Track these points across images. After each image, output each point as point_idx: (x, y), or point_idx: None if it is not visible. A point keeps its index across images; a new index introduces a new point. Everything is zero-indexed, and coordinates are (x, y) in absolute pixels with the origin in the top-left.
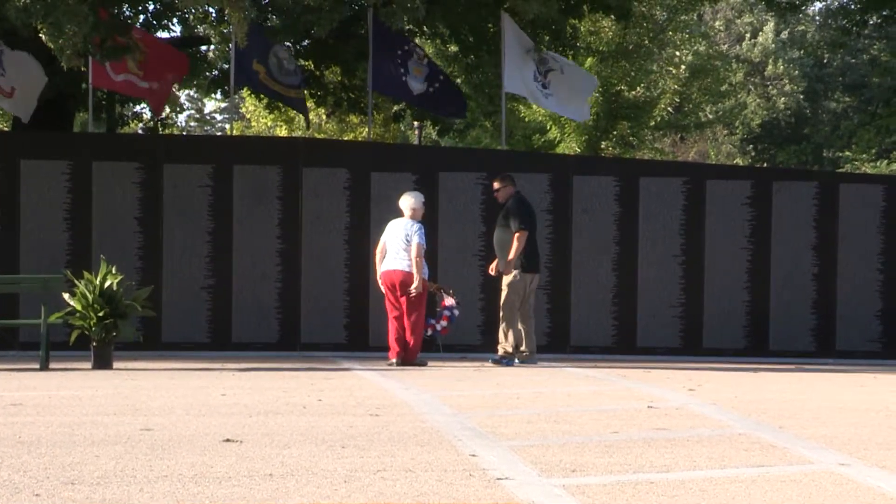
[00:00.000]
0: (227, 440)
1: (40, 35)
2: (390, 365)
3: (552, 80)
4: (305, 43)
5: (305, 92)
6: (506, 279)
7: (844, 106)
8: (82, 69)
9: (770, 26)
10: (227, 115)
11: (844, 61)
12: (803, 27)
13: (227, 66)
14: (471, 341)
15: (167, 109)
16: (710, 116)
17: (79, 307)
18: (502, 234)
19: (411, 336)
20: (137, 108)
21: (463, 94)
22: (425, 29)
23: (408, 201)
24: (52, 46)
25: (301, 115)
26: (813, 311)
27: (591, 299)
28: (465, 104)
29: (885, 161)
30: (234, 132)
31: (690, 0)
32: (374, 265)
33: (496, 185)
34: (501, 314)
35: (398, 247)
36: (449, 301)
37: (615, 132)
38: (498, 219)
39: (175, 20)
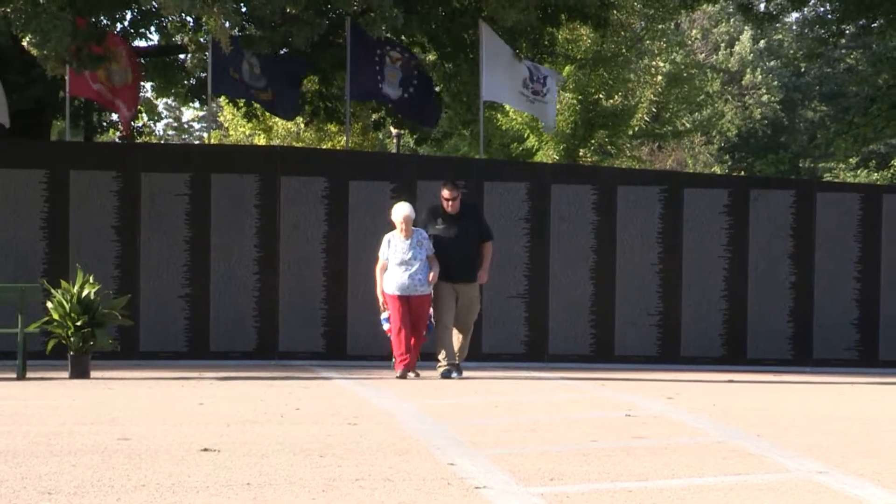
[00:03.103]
0: (205, 449)
1: (22, 43)
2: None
3: (549, 92)
4: (283, 52)
5: (270, 91)
6: (476, 294)
7: (822, 115)
8: (65, 77)
9: (747, 35)
10: (204, 124)
11: (821, 71)
12: (780, 36)
13: (204, 75)
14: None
15: (144, 118)
16: (688, 125)
17: (56, 316)
18: (470, 245)
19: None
20: (114, 116)
21: (437, 102)
22: (403, 38)
23: None
24: (36, 55)
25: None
26: (790, 319)
27: (569, 308)
28: (437, 114)
29: (865, 170)
30: (212, 141)
31: (668, 9)
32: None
33: (455, 193)
34: (470, 329)
35: None
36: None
37: (593, 140)
38: (446, 228)
39: (153, 28)
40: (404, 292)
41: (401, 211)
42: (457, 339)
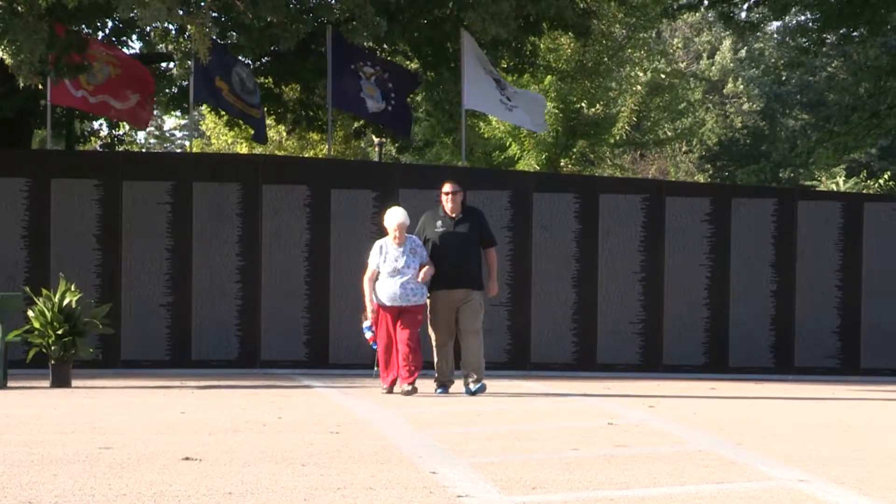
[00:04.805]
0: (187, 458)
1: None
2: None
3: (512, 96)
4: (265, 60)
5: (265, 110)
6: (479, 300)
7: (803, 123)
8: (40, 86)
9: (727, 44)
10: (186, 132)
11: (802, 79)
12: (761, 45)
13: (186, 83)
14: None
15: (126, 126)
16: (670, 134)
17: (37, 325)
18: (470, 250)
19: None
20: (96, 124)
21: (410, 113)
22: (385, 46)
23: None
24: (10, 63)
25: (258, 133)
26: (772, 327)
27: (551, 316)
28: (410, 123)
29: (854, 179)
30: (194, 149)
31: (649, 18)
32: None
33: (456, 188)
34: (477, 338)
35: None
36: None
37: (575, 149)
38: (445, 230)
39: (135, 37)
40: (396, 302)
41: (395, 218)
42: (470, 349)
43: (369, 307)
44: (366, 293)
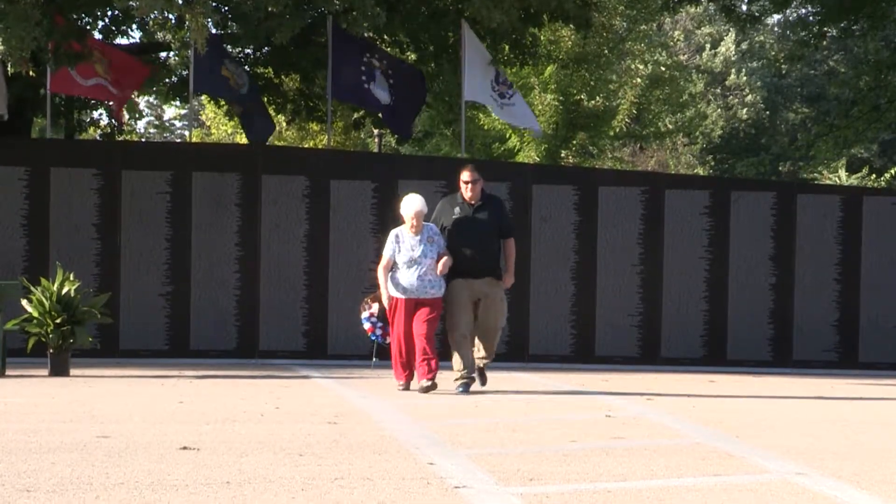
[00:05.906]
0: (185, 448)
1: None
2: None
3: (514, 94)
4: (265, 50)
5: (265, 100)
6: (501, 294)
7: (803, 117)
8: (31, 73)
9: (731, 37)
10: (186, 122)
11: (803, 73)
12: (762, 38)
13: (186, 73)
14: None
15: (126, 115)
16: (670, 126)
17: (35, 314)
18: (490, 238)
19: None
20: (95, 114)
21: (414, 115)
22: (385, 37)
23: None
24: (2, 49)
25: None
26: (770, 320)
27: (550, 309)
28: (411, 122)
29: (857, 176)
30: (194, 139)
31: (650, 11)
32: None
33: (475, 175)
34: (496, 334)
35: None
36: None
37: (574, 141)
38: (464, 218)
39: (134, 26)
40: (413, 294)
41: (412, 206)
42: (480, 346)
43: (384, 298)
44: (380, 284)
